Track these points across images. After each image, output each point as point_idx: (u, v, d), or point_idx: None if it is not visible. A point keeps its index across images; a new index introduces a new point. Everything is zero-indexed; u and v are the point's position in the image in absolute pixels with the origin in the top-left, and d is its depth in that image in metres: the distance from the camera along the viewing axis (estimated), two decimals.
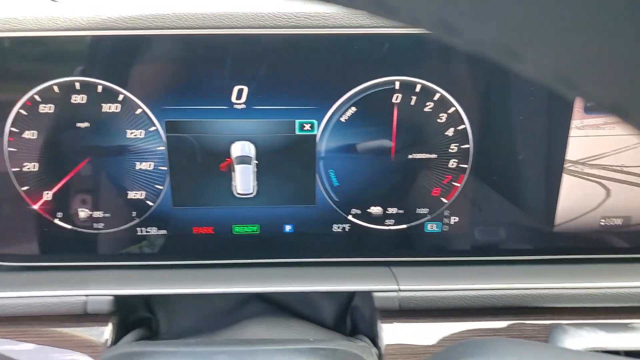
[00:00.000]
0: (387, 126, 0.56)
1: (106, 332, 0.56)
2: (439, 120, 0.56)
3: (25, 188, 0.56)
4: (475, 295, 0.58)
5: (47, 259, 0.59)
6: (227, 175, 0.57)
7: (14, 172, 0.56)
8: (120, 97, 0.54)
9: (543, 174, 0.59)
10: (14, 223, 0.57)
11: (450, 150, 0.57)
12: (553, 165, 0.58)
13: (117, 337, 0.57)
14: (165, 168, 0.56)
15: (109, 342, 0.56)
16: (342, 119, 0.56)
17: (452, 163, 0.58)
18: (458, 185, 0.58)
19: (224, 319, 0.62)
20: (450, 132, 0.57)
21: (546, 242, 0.61)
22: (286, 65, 0.53)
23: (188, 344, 0.45)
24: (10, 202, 0.57)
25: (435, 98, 0.55)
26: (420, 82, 0.55)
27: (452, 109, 0.56)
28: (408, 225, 0.59)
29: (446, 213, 0.59)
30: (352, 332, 0.64)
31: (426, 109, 0.56)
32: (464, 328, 0.58)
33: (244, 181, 0.57)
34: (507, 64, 0.14)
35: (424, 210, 0.59)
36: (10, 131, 0.54)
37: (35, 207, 0.57)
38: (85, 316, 0.56)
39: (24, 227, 0.58)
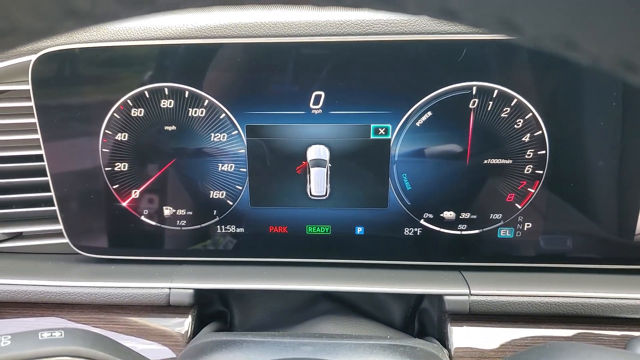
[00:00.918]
0: (462, 131, 0.56)
1: (186, 323, 0.60)
2: (515, 126, 0.56)
3: (115, 186, 0.60)
4: (547, 302, 0.57)
5: (133, 253, 0.63)
6: (303, 178, 0.59)
7: (106, 171, 0.60)
8: (206, 102, 0.57)
9: (622, 182, 0.57)
10: (105, 218, 0.62)
11: (526, 156, 0.57)
12: (633, 172, 0.56)
13: (196, 328, 0.60)
14: (245, 170, 0.59)
15: (189, 333, 0.59)
16: (417, 124, 0.56)
17: (528, 169, 0.57)
18: (532, 191, 0.58)
19: (295, 315, 0.64)
20: (526, 137, 0.56)
21: (624, 251, 0.59)
22: (363, 71, 0.55)
23: (274, 336, 0.48)
24: (102, 199, 0.61)
25: (513, 103, 0.55)
26: (497, 88, 0.55)
27: (529, 114, 0.55)
28: (481, 230, 0.59)
29: (520, 219, 0.59)
30: (420, 334, 0.65)
31: (503, 114, 0.55)
32: (535, 334, 0.58)
33: (318, 183, 0.59)
34: (567, 54, 0.15)
35: (498, 216, 0.59)
36: (104, 133, 0.58)
37: (124, 204, 0.61)
38: (168, 307, 0.60)
39: (113, 222, 0.62)
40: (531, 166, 0.57)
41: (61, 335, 0.41)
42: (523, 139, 0.56)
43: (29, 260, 0.65)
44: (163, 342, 0.59)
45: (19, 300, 0.60)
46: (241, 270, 0.61)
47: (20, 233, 0.66)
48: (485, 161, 0.57)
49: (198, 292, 0.59)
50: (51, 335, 0.41)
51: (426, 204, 0.59)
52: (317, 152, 0.58)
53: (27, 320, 0.61)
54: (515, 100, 0.55)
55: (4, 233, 0.65)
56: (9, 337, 0.40)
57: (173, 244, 0.62)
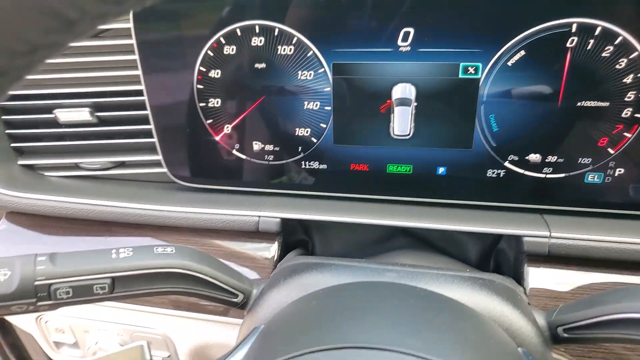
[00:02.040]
0: (557, 71, 0.54)
1: (273, 249, 0.65)
2: (617, 66, 0.53)
3: (209, 121, 0.64)
4: (630, 249, 0.56)
5: (225, 184, 0.68)
6: (386, 117, 0.60)
7: (201, 107, 0.64)
8: (294, 40, 0.58)
9: None
10: (200, 151, 0.66)
11: (625, 99, 0.54)
12: None
13: (281, 255, 0.65)
14: (330, 108, 0.60)
15: (275, 258, 0.64)
16: (509, 63, 0.54)
17: (626, 112, 0.54)
18: (629, 136, 0.55)
19: (373, 248, 0.67)
20: (628, 79, 0.53)
21: None
22: (455, 7, 0.53)
23: (359, 261, 0.51)
24: (197, 133, 0.65)
25: (617, 42, 0.52)
26: (601, 24, 0.51)
27: (635, 53, 0.52)
28: (567, 174, 0.58)
29: (611, 164, 0.57)
30: (495, 273, 0.66)
31: (604, 54, 0.52)
32: (614, 280, 0.58)
33: (401, 123, 0.59)
34: None
35: (587, 160, 0.57)
36: (199, 70, 0.62)
37: (217, 138, 0.65)
38: (256, 234, 0.65)
39: (207, 155, 0.66)
40: (630, 109, 0.54)
41: (172, 250, 0.47)
42: (624, 80, 0.53)
43: (132, 186, 0.72)
44: (251, 265, 0.65)
45: (125, 221, 0.67)
46: (324, 203, 0.65)
47: (123, 162, 0.72)
48: (579, 103, 0.55)
49: (284, 221, 0.63)
50: (164, 250, 0.47)
51: (512, 146, 0.58)
52: (402, 90, 0.58)
53: (135, 239, 0.68)
54: (620, 38, 0.51)
55: (109, 161, 0.72)
56: (131, 249, 0.45)
57: (261, 176, 0.66)
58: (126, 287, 0.44)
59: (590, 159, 0.57)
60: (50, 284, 0.41)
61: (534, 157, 0.58)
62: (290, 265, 0.51)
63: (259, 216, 0.64)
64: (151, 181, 0.73)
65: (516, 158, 0.59)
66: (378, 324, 0.36)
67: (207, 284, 0.47)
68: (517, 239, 0.59)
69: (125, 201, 0.67)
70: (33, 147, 0.72)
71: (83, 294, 0.42)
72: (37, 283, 0.41)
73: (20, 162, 0.72)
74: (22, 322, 0.75)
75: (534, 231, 0.58)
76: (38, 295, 0.41)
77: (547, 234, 0.57)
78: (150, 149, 0.69)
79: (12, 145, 0.71)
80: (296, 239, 0.69)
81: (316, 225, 0.69)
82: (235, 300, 0.49)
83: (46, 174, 0.73)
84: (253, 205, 0.65)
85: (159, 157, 0.68)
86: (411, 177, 0.62)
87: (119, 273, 0.43)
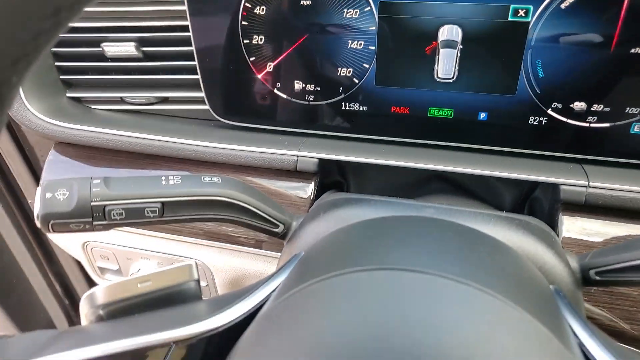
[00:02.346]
0: (612, 17, 0.52)
1: (309, 188, 0.66)
2: None
3: (252, 59, 0.65)
4: None
5: (266, 123, 0.69)
6: (431, 59, 0.59)
7: (244, 44, 0.64)
8: None
9: None
10: (242, 89, 0.68)
11: None
12: None
13: (318, 194, 0.67)
14: (374, 48, 0.60)
15: (312, 197, 0.66)
16: (562, 6, 0.53)
17: None
18: None
19: (407, 192, 0.69)
20: None
21: None
22: None
23: (398, 199, 0.52)
24: (240, 70, 0.66)
25: None
26: None
27: None
28: (612, 124, 0.58)
29: None
30: None
31: None
32: None
33: (446, 65, 0.59)
34: None
35: (635, 110, 0.56)
36: (244, 6, 0.62)
37: (259, 76, 0.66)
38: (294, 173, 0.67)
39: (249, 93, 0.68)
40: None
41: (219, 180, 0.49)
42: None
43: (175, 122, 0.74)
44: (288, 203, 0.67)
45: (168, 155, 0.70)
46: (362, 146, 0.66)
47: (167, 98, 0.74)
48: (633, 50, 0.53)
49: (322, 161, 0.65)
50: (211, 180, 0.49)
51: (557, 93, 0.58)
52: (449, 32, 0.57)
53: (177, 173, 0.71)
54: None
55: (153, 97, 0.73)
56: (179, 177, 0.48)
57: (301, 117, 0.67)
58: (175, 212, 0.46)
59: (638, 109, 0.56)
60: (105, 206, 0.44)
61: (579, 106, 0.58)
62: (330, 200, 0.52)
63: (298, 155, 0.65)
64: (193, 118, 0.75)
65: (560, 106, 0.58)
66: (418, 250, 0.37)
67: (251, 213, 0.49)
68: (554, 187, 0.59)
69: (168, 135, 0.69)
70: (81, 80, 0.74)
71: (135, 216, 0.45)
72: (93, 204, 0.43)
73: (69, 94, 0.75)
74: (70, 248, 0.80)
75: (573, 180, 0.58)
76: (94, 215, 0.44)
77: (586, 183, 0.57)
78: (194, 85, 0.70)
79: (61, 77, 0.74)
80: (332, 180, 0.71)
81: (352, 168, 0.71)
82: (276, 230, 0.51)
83: (93, 107, 0.76)
84: (292, 145, 0.66)
85: (201, 94, 0.69)
86: (452, 121, 0.62)
87: (169, 198, 0.46)
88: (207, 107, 0.70)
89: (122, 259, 0.77)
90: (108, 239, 0.76)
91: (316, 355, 0.26)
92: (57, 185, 0.44)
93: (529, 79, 0.57)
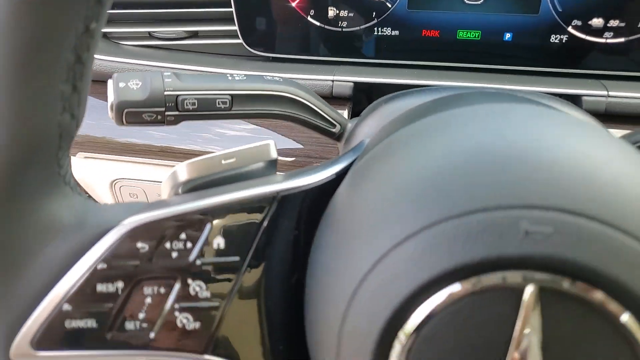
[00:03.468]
0: None
1: (345, 113, 0.69)
2: None
3: None
4: None
5: (300, 52, 0.71)
6: None
7: None
8: None
9: None
10: (275, 18, 0.70)
11: None
12: None
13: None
14: None
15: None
16: None
17: None
18: None
19: None
20: None
21: None
22: None
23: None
24: (274, 1, 0.68)
25: None
26: None
27: None
28: (627, 38, 0.63)
29: None
30: None
31: None
32: None
33: None
34: None
35: None
36: None
37: (293, 4, 0.68)
38: (330, 99, 0.69)
39: (283, 22, 0.70)
40: None
41: (280, 79, 0.51)
42: None
43: (206, 56, 0.75)
44: None
45: None
46: (393, 70, 0.69)
47: (197, 32, 0.75)
48: None
49: (357, 85, 0.68)
50: (273, 78, 0.51)
51: (577, 11, 0.63)
52: None
53: None
54: None
55: (183, 31, 0.74)
56: (244, 74, 0.49)
57: (334, 44, 0.70)
58: (242, 105, 0.48)
59: None
60: (178, 95, 0.45)
61: (597, 22, 0.63)
62: (384, 98, 0.54)
63: (333, 80, 0.68)
64: (224, 54, 0.76)
65: (579, 23, 0.63)
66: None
67: (311, 111, 0.51)
68: (577, 98, 0.64)
69: (200, 66, 0.70)
70: (108, 15, 0.74)
71: (206, 106, 0.46)
72: (166, 93, 0.45)
73: None
74: (97, 188, 0.80)
75: (593, 91, 0.63)
76: (167, 105, 0.45)
77: (605, 93, 0.63)
78: (225, 19, 0.72)
79: None
80: (364, 107, 0.74)
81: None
82: (333, 130, 0.54)
83: (121, 42, 0.76)
84: (327, 72, 0.69)
85: (234, 27, 0.71)
86: (479, 43, 0.67)
87: (237, 91, 0.47)
88: (239, 40, 0.72)
89: (152, 195, 0.78)
90: (139, 175, 0.76)
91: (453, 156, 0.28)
92: (128, 76, 0.45)
93: None
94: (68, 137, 0.30)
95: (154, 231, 0.31)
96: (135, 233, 0.31)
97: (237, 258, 0.32)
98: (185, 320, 0.32)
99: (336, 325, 0.28)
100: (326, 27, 0.69)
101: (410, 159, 0.29)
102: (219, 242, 0.32)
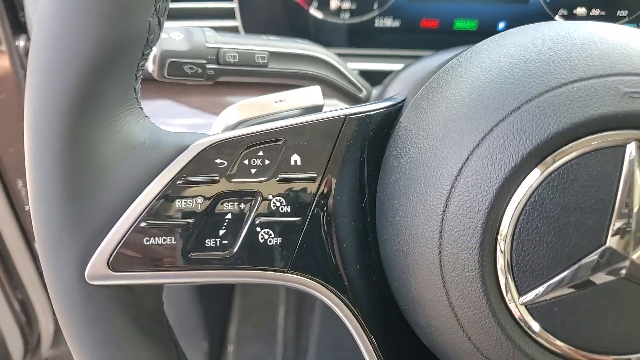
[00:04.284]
0: None
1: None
2: None
3: None
4: None
5: None
6: None
7: None
8: None
9: None
10: (277, 10, 0.71)
11: None
12: None
13: None
14: None
15: None
16: None
17: None
18: None
19: None
20: None
21: None
22: None
23: None
24: None
25: None
26: None
27: None
28: None
29: None
30: None
31: None
32: None
33: None
34: None
35: (624, 13, 0.68)
36: None
37: None
38: None
39: (285, 15, 0.71)
40: None
41: (311, 42, 0.52)
42: None
43: None
44: None
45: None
46: (394, 59, 0.72)
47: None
48: None
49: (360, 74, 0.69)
50: (304, 41, 0.51)
51: (563, 0, 0.68)
52: None
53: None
54: None
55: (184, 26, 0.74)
56: (278, 37, 0.50)
57: (337, 35, 0.72)
58: (278, 63, 0.48)
59: (626, 12, 0.68)
60: (220, 48, 0.45)
61: (580, 10, 0.69)
62: (404, 66, 0.56)
63: None
64: None
65: (565, 12, 0.69)
66: None
67: (342, 75, 0.53)
68: None
69: None
70: None
71: (246, 60, 0.46)
72: (208, 45, 0.45)
73: None
74: None
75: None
76: (208, 58, 0.45)
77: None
78: (227, 14, 0.72)
79: None
80: None
81: None
82: (360, 95, 0.55)
83: None
84: None
85: (236, 23, 0.72)
86: (475, 33, 0.70)
87: (274, 49, 0.48)
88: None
89: None
90: None
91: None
92: (169, 29, 0.44)
93: None
94: (152, 43, 0.29)
95: (232, 148, 0.31)
96: (214, 150, 0.30)
97: (314, 174, 0.32)
98: (266, 236, 0.30)
99: (437, 214, 0.27)
100: (328, 19, 0.71)
101: (499, 52, 0.31)
102: (296, 159, 0.32)
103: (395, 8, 0.70)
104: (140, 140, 0.29)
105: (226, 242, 0.30)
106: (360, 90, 0.54)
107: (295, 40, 0.50)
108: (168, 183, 0.29)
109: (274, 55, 0.48)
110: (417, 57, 0.72)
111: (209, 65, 0.45)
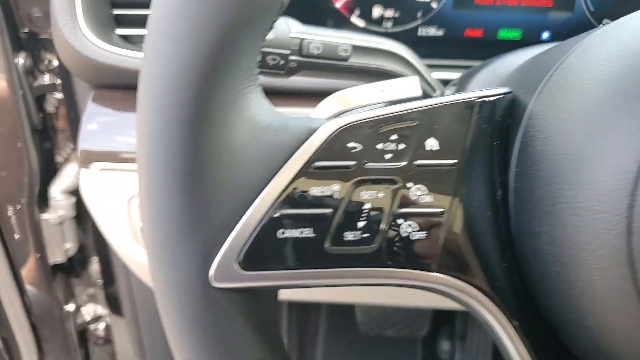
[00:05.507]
0: None
1: None
2: None
3: None
4: None
5: None
6: None
7: None
8: None
9: None
10: (317, 18, 0.68)
11: None
12: None
13: None
14: None
15: None
16: None
17: None
18: None
19: None
20: None
21: None
22: None
23: None
24: (316, 2, 0.67)
25: None
26: None
27: None
28: None
29: None
30: None
31: None
32: None
33: None
34: None
35: None
36: None
37: (337, 5, 0.68)
38: None
39: (327, 22, 0.68)
40: None
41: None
42: None
43: None
44: None
45: None
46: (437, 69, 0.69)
47: None
48: None
49: None
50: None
51: (608, 10, 0.68)
52: None
53: None
54: None
55: None
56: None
57: None
58: (360, 57, 0.46)
59: None
60: (303, 39, 0.42)
61: None
62: (477, 66, 0.54)
63: None
64: None
65: (609, 22, 0.68)
66: None
67: (418, 73, 0.50)
68: None
69: None
70: (131, 17, 0.69)
71: (330, 53, 0.43)
72: (291, 35, 0.42)
73: (118, 32, 0.69)
74: (113, 202, 0.70)
75: None
76: (292, 48, 0.42)
77: None
78: None
79: (114, 12, 0.68)
80: None
81: None
82: (434, 95, 0.52)
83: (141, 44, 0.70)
84: None
85: None
86: (520, 43, 0.69)
87: (357, 42, 0.45)
88: None
89: None
90: None
91: None
92: None
93: None
94: (279, 13, 0.26)
95: (364, 131, 0.27)
96: (346, 132, 0.26)
97: (454, 160, 0.28)
98: (409, 229, 0.26)
99: (624, 195, 0.24)
100: (370, 27, 0.69)
101: None
102: (432, 143, 0.28)
103: (439, 17, 0.68)
104: (267, 120, 0.25)
105: (367, 235, 0.26)
106: (434, 90, 0.52)
107: (371, 35, 0.48)
108: (302, 168, 0.25)
109: (358, 48, 0.45)
110: (460, 67, 0.70)
111: (292, 57, 0.42)
